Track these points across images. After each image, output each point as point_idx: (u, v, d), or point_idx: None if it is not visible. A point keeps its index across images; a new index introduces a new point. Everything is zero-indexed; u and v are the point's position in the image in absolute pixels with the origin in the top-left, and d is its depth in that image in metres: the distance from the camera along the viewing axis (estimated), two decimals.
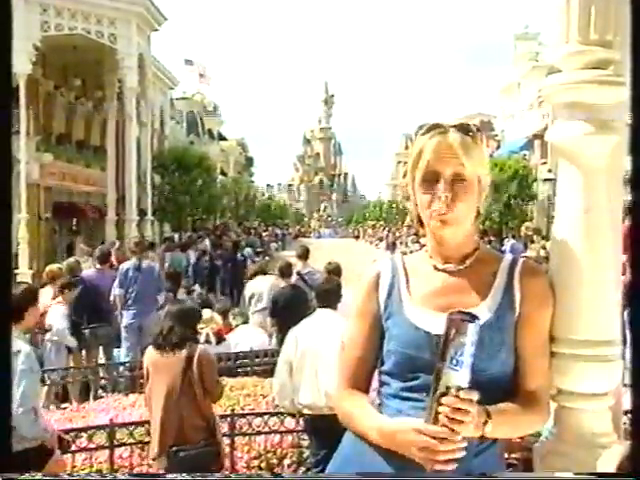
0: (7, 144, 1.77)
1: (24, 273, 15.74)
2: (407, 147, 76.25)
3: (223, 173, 45.67)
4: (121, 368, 8.67)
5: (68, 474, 4.90)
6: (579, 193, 1.92)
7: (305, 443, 5.66)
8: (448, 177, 1.78)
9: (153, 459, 4.88)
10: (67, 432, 5.31)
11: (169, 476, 4.58)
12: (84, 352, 9.52)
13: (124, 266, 10.04)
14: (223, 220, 41.36)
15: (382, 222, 66.06)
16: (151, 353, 4.91)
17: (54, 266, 10.39)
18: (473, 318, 1.66)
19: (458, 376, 1.64)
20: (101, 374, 8.66)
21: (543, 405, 1.87)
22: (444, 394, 1.64)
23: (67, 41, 19.29)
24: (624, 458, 1.68)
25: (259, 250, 29.82)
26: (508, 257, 1.93)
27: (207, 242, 23.46)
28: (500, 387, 1.80)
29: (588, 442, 1.93)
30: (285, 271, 9.60)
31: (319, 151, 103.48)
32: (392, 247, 38.72)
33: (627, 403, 2.00)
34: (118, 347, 9.98)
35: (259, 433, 5.72)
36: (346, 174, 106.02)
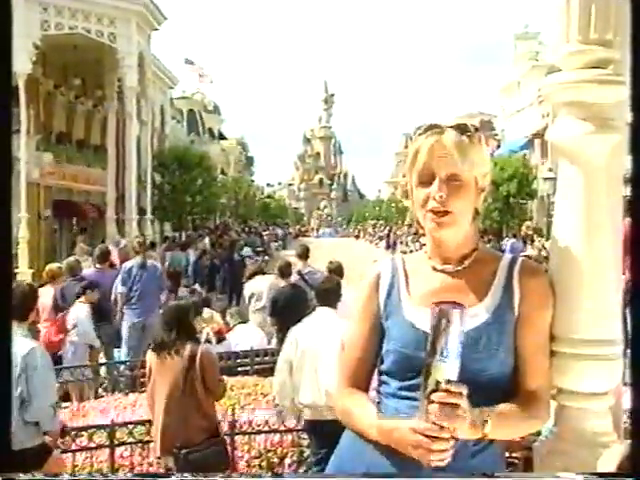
0: (7, 143, 1.77)
1: (24, 272, 15.74)
2: (407, 146, 75.91)
3: (223, 172, 45.70)
4: (122, 367, 8.67)
5: (69, 474, 4.91)
6: (579, 192, 1.92)
7: (305, 442, 5.66)
8: (443, 177, 1.78)
9: (158, 458, 4.88)
10: (68, 431, 5.32)
11: (174, 476, 4.62)
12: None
13: (127, 264, 10.03)
14: (223, 219, 41.38)
15: (382, 221, 66.03)
16: (152, 354, 4.91)
17: (54, 265, 10.39)
18: (459, 305, 1.65)
19: (447, 368, 1.64)
20: (101, 373, 8.66)
21: (543, 405, 1.87)
22: (435, 390, 1.63)
23: (67, 40, 19.29)
24: (624, 457, 1.69)
25: (259, 249, 29.84)
26: (507, 256, 1.93)
27: (207, 241, 23.48)
28: (499, 387, 1.80)
29: (588, 441, 1.93)
30: (285, 271, 9.60)
31: (319, 150, 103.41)
32: (393, 246, 38.75)
33: (627, 402, 2.01)
34: (118, 347, 9.98)
35: (259, 432, 5.72)
36: (346, 173, 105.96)
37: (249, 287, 10.77)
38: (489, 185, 1.89)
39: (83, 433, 5.48)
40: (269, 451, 5.75)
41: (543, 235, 18.72)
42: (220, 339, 9.06)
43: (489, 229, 27.64)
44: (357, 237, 66.48)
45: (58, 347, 8.73)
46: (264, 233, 43.17)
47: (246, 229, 38.83)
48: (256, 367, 8.10)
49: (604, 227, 1.91)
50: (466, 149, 1.78)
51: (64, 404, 7.70)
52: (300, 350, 5.26)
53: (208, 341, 8.45)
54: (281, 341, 6.55)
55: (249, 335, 9.23)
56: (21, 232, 16.86)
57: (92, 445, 5.45)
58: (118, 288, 9.79)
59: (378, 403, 1.90)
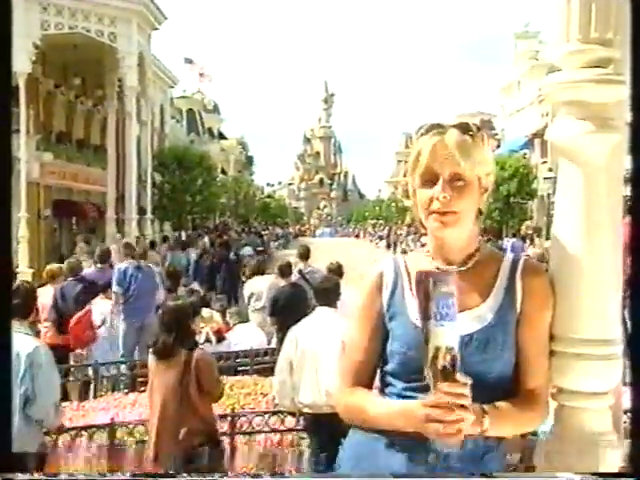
0: (7, 143, 1.77)
1: (24, 272, 15.74)
2: (407, 146, 76.25)
3: (223, 172, 45.69)
4: (122, 367, 8.66)
5: (68, 474, 4.91)
6: (579, 192, 1.91)
7: (305, 442, 5.66)
8: (446, 178, 1.77)
9: (152, 462, 4.86)
10: (67, 431, 5.32)
11: (171, 477, 4.62)
12: (84, 351, 9.51)
13: (121, 266, 9.98)
14: (223, 219, 41.38)
15: (382, 221, 66.04)
16: (151, 356, 4.89)
17: (54, 265, 10.39)
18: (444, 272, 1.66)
19: (445, 333, 1.63)
20: (101, 373, 8.65)
21: (543, 403, 1.88)
22: (435, 357, 1.62)
23: (67, 40, 19.29)
24: (624, 457, 1.69)
25: (259, 249, 29.83)
26: (509, 256, 1.93)
27: (206, 240, 23.47)
28: (503, 387, 1.80)
29: (588, 441, 1.93)
30: (285, 270, 9.60)
31: (319, 150, 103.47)
32: (394, 246, 38.74)
33: (627, 402, 2.01)
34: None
35: (259, 432, 5.72)
36: (346, 173, 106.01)
37: (249, 287, 10.78)
38: (492, 184, 1.89)
39: (83, 432, 5.48)
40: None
41: (541, 235, 18.72)
42: (220, 339, 9.06)
43: (489, 229, 27.64)
44: (357, 237, 66.51)
45: (86, 343, 8.86)
46: (264, 233, 43.19)
47: (246, 229, 38.84)
48: (256, 367, 8.09)
49: (604, 227, 1.91)
50: (469, 149, 1.77)
51: (64, 404, 7.71)
52: (300, 350, 5.26)
53: (208, 341, 8.45)
54: (281, 341, 6.55)
55: (249, 335, 9.23)
56: (21, 231, 16.87)
57: (92, 445, 5.44)
58: (113, 288, 9.71)
59: None
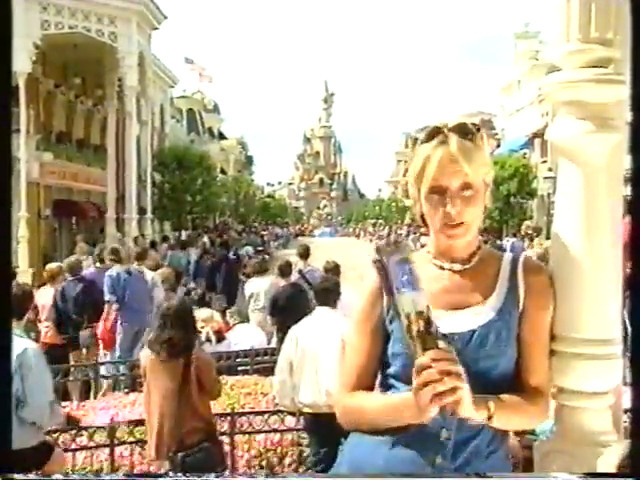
0: (7, 143, 1.77)
1: (24, 271, 15.75)
2: (407, 145, 76.33)
3: (223, 172, 45.69)
4: (122, 367, 8.67)
5: (67, 474, 4.92)
6: (579, 191, 1.92)
7: (305, 442, 5.66)
8: (455, 190, 1.76)
9: (152, 461, 4.86)
10: (67, 430, 5.32)
11: (167, 477, 4.62)
12: (85, 350, 9.51)
13: (112, 272, 9.67)
14: (223, 218, 41.37)
15: (382, 221, 66.02)
16: (149, 356, 4.88)
17: (54, 265, 10.39)
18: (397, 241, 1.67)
19: (411, 298, 1.62)
20: (102, 372, 8.66)
21: (544, 400, 1.88)
22: (409, 325, 1.62)
23: (67, 39, 19.29)
24: (624, 457, 1.68)
25: (260, 249, 29.82)
26: (509, 255, 1.93)
27: (206, 240, 23.46)
28: (507, 383, 1.81)
29: (588, 440, 1.93)
30: (285, 270, 9.60)
31: (319, 150, 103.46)
32: None
33: (627, 402, 2.01)
34: None
35: (259, 432, 5.72)
36: (346, 172, 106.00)
37: (249, 286, 10.78)
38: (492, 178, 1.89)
39: (83, 432, 5.48)
40: (269, 450, 5.76)
41: (541, 235, 18.70)
42: (220, 338, 9.05)
43: (489, 228, 27.64)
44: (357, 236, 66.48)
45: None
46: (264, 233, 43.19)
47: (246, 229, 38.84)
48: (256, 366, 8.09)
49: (604, 226, 1.91)
50: (471, 154, 1.76)
51: (64, 403, 7.73)
52: (300, 349, 5.26)
53: (208, 340, 8.44)
54: (281, 340, 6.55)
55: (249, 334, 9.23)
56: (21, 231, 16.87)
57: (92, 444, 5.44)
58: (106, 297, 9.46)
59: None
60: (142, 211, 22.99)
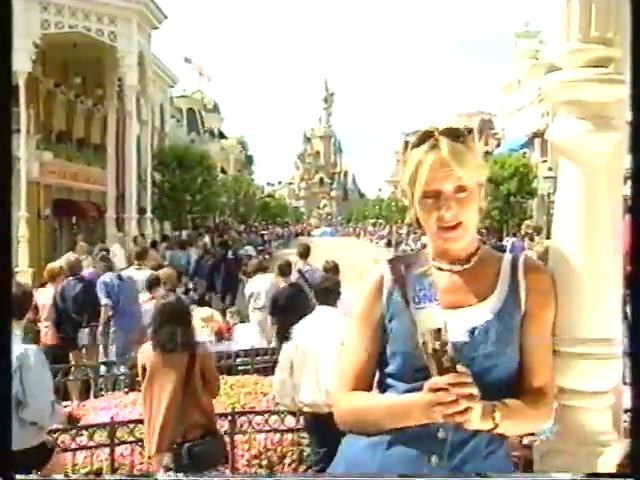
0: (7, 142, 1.77)
1: (24, 271, 15.75)
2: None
3: (223, 171, 45.67)
4: (122, 366, 8.66)
5: (67, 474, 4.92)
6: (579, 191, 1.92)
7: (305, 441, 5.66)
8: (448, 194, 1.77)
9: (150, 457, 4.85)
10: (67, 430, 5.33)
11: (167, 476, 4.63)
12: (84, 350, 9.51)
13: (105, 278, 9.55)
14: (223, 218, 41.37)
15: (382, 220, 66.02)
16: (150, 352, 4.89)
17: (54, 264, 10.39)
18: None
19: (428, 315, 1.63)
20: (101, 372, 8.66)
21: (548, 401, 1.88)
22: (425, 342, 1.63)
23: (67, 38, 19.28)
24: (624, 457, 1.68)
25: (260, 248, 29.84)
26: (509, 255, 1.94)
27: (207, 239, 23.46)
28: (509, 384, 1.80)
29: (588, 440, 1.93)
30: (285, 269, 9.60)
31: (319, 149, 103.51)
32: (395, 246, 38.72)
33: (627, 401, 2.01)
34: None
35: (259, 431, 5.72)
36: (346, 172, 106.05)
37: (249, 286, 10.78)
38: (487, 180, 1.89)
39: (83, 432, 5.48)
40: (269, 450, 5.76)
41: (541, 234, 18.70)
42: (220, 338, 9.07)
43: (489, 228, 27.65)
44: (358, 236, 66.49)
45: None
46: (264, 232, 43.21)
47: (246, 228, 38.85)
48: (256, 366, 8.09)
49: (604, 226, 1.91)
50: (463, 157, 1.77)
51: (64, 403, 7.72)
52: (300, 349, 5.26)
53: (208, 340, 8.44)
54: (281, 340, 6.55)
55: (251, 334, 9.23)
56: (21, 231, 16.87)
57: (92, 444, 5.44)
58: (103, 301, 9.36)
59: None
60: (142, 211, 22.99)
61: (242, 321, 10.22)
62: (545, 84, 2.01)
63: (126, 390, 7.75)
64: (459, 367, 1.64)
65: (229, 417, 5.62)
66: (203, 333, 8.45)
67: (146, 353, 4.93)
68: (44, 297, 9.30)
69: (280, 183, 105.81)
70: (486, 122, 53.32)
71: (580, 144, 1.89)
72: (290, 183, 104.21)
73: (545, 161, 30.26)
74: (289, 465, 5.72)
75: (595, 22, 1.86)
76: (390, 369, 1.86)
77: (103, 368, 8.74)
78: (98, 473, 5.37)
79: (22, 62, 16.62)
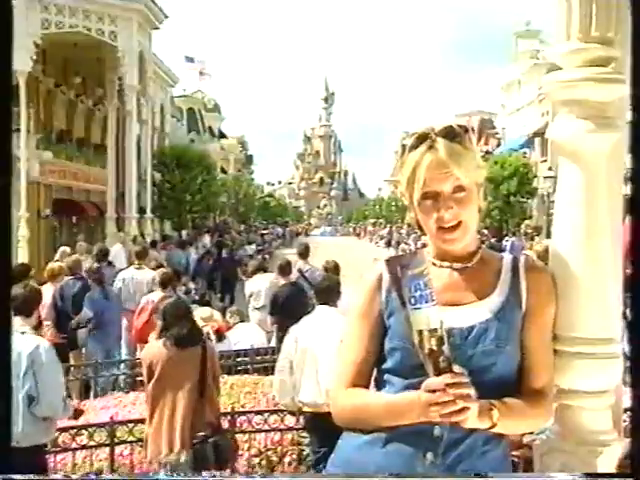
0: (7, 142, 1.77)
1: None
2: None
3: (223, 171, 45.67)
4: (122, 366, 8.66)
5: (64, 474, 4.93)
6: (579, 190, 1.91)
7: (305, 441, 5.66)
8: (447, 194, 1.77)
9: (168, 454, 4.80)
10: (67, 429, 5.32)
11: (166, 476, 4.64)
12: (84, 350, 9.50)
13: (93, 294, 9.36)
14: (223, 218, 41.37)
15: (382, 220, 66.03)
16: (160, 349, 4.87)
17: (54, 264, 10.39)
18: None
19: (424, 315, 1.63)
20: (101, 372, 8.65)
21: (548, 400, 1.88)
22: (421, 341, 1.64)
23: (67, 38, 19.29)
24: (624, 456, 1.68)
25: (260, 248, 29.84)
26: (509, 255, 1.94)
27: (206, 239, 23.47)
28: (507, 383, 1.80)
29: (588, 440, 1.93)
30: (284, 269, 9.60)
31: (319, 149, 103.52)
32: (396, 245, 38.73)
33: (627, 401, 2.00)
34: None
35: (259, 431, 5.72)
36: (346, 172, 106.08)
37: (249, 285, 10.78)
38: (486, 180, 1.90)
39: (83, 431, 5.48)
40: (269, 449, 5.76)
41: (541, 234, 18.72)
42: (220, 337, 9.05)
43: (489, 227, 27.65)
44: (358, 236, 66.49)
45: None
46: (264, 232, 43.21)
47: (246, 228, 38.85)
48: (256, 365, 8.09)
49: (604, 225, 1.91)
50: (460, 157, 1.77)
51: None
52: (300, 349, 5.26)
53: (208, 339, 8.44)
54: (281, 340, 6.55)
55: (251, 334, 9.22)
56: (21, 231, 16.87)
57: (92, 443, 5.44)
58: (87, 313, 9.21)
59: None
60: (142, 210, 22.99)
61: (242, 321, 10.21)
62: (545, 83, 2.01)
63: (126, 390, 7.75)
64: (455, 367, 1.64)
65: (229, 417, 5.62)
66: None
67: (154, 351, 4.91)
68: (44, 297, 9.28)
69: (280, 183, 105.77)
70: (486, 121, 53.34)
71: (580, 144, 1.89)
72: (290, 183, 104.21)
73: (545, 161, 30.27)
74: (289, 465, 5.72)
75: (595, 21, 1.86)
76: (388, 365, 1.86)
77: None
78: (98, 473, 5.37)
79: (22, 62, 16.61)
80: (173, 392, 4.75)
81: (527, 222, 24.90)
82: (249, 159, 69.96)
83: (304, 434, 5.65)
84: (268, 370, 7.38)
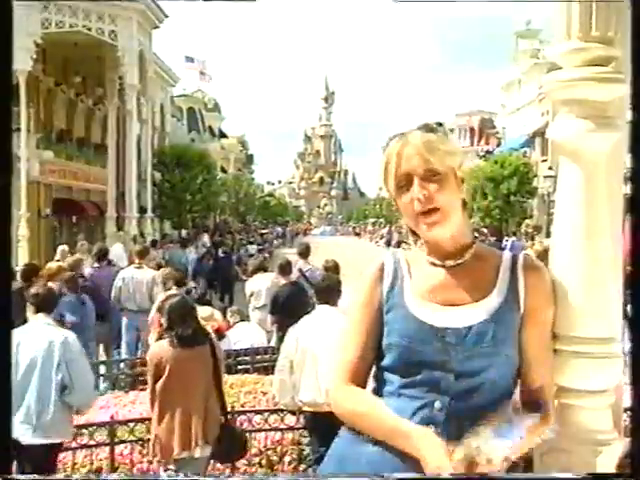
0: (7, 141, 1.77)
1: None
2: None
3: (223, 170, 45.66)
4: (121, 365, 8.66)
5: (65, 475, 4.94)
6: (579, 190, 1.91)
7: (305, 440, 5.67)
8: (421, 175, 1.77)
9: (180, 451, 4.79)
10: None
11: (166, 476, 4.66)
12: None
13: (69, 298, 9.40)
14: (224, 217, 41.38)
15: (382, 219, 66.05)
16: (168, 348, 4.87)
17: (53, 264, 10.38)
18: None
19: (494, 447, 1.63)
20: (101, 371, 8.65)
21: (548, 403, 1.86)
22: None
23: (68, 38, 19.29)
24: (624, 456, 1.68)
25: (260, 247, 29.84)
26: (508, 253, 1.93)
27: (206, 238, 23.47)
28: (504, 384, 1.80)
29: (588, 439, 1.93)
30: (285, 268, 9.60)
31: (319, 148, 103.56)
32: (397, 245, 38.72)
33: (628, 400, 2.00)
34: (116, 348, 9.94)
35: (259, 430, 5.73)
36: (346, 171, 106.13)
37: (250, 285, 10.77)
38: (467, 174, 1.90)
39: (83, 431, 5.48)
40: (269, 449, 5.76)
41: (541, 233, 18.71)
42: (220, 337, 9.05)
43: (489, 227, 27.65)
44: (357, 235, 66.50)
45: None
46: (264, 231, 43.22)
47: (246, 227, 38.85)
48: (256, 365, 8.09)
49: (604, 225, 1.91)
50: (433, 144, 1.78)
51: None
52: (300, 348, 5.26)
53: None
54: (281, 339, 6.55)
55: (249, 333, 9.22)
56: (21, 230, 16.87)
57: (92, 443, 5.45)
58: (69, 318, 8.91)
59: None
60: (142, 210, 23.01)
61: (242, 320, 10.21)
62: (545, 83, 2.00)
63: (126, 389, 7.75)
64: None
65: (229, 416, 5.62)
66: None
67: (162, 350, 4.91)
68: None
69: (280, 182, 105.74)
70: (486, 121, 53.35)
71: (580, 143, 1.89)
72: (290, 182, 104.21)
73: (545, 160, 30.26)
74: (289, 464, 5.72)
75: (596, 21, 1.86)
76: (385, 362, 1.86)
77: (103, 367, 8.73)
78: (98, 472, 5.38)
79: (22, 61, 16.63)
80: (184, 390, 4.77)
81: (527, 221, 24.87)
82: (249, 158, 69.94)
83: (304, 434, 5.65)
84: (268, 369, 7.38)
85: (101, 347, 9.67)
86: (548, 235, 16.24)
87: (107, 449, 5.42)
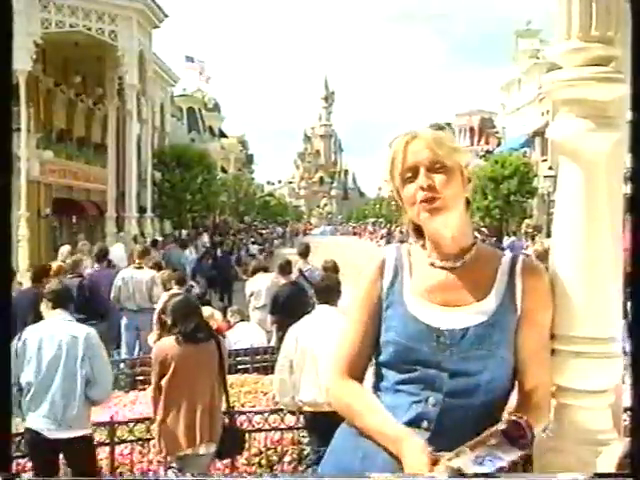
0: (7, 141, 1.77)
1: (24, 270, 15.73)
2: None
3: (223, 170, 45.67)
4: (121, 365, 8.66)
5: (66, 475, 4.94)
6: (579, 190, 1.91)
7: (305, 440, 5.67)
8: (427, 165, 1.78)
9: (186, 448, 4.81)
10: None
11: (167, 476, 4.67)
12: None
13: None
14: (224, 217, 41.40)
15: (382, 219, 66.07)
16: (174, 346, 4.88)
17: (53, 264, 10.39)
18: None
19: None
20: None
21: (545, 403, 1.87)
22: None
23: (68, 37, 19.31)
24: (624, 455, 1.68)
25: (260, 247, 29.86)
26: (508, 254, 1.92)
27: (206, 238, 23.48)
28: (500, 386, 1.80)
29: (588, 439, 1.92)
30: (285, 268, 9.60)
31: (319, 148, 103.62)
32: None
33: (627, 400, 2.00)
34: (116, 348, 9.95)
35: (259, 430, 5.72)
36: (346, 171, 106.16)
37: (250, 285, 10.78)
38: (474, 176, 1.90)
39: None
40: (269, 449, 5.76)
41: (542, 233, 18.75)
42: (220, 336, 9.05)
43: (490, 227, 27.67)
44: (357, 234, 66.50)
45: None
46: (264, 231, 43.25)
47: (246, 227, 38.87)
48: (256, 365, 8.09)
49: (604, 225, 1.91)
50: (442, 139, 1.80)
51: None
52: (300, 348, 5.26)
53: None
54: (281, 339, 6.55)
55: (249, 333, 9.23)
56: (21, 230, 16.87)
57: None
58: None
59: None
60: (142, 210, 23.01)
61: (242, 320, 10.21)
62: (545, 83, 2.00)
63: (126, 389, 7.75)
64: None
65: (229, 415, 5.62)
66: None
67: (166, 347, 4.91)
68: None
69: (280, 182, 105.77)
70: (486, 121, 53.34)
71: (580, 143, 1.89)
72: (290, 182, 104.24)
73: (545, 160, 30.27)
74: (289, 464, 5.72)
75: (596, 21, 1.86)
76: (382, 358, 1.87)
77: None
78: (98, 472, 5.37)
79: (22, 61, 16.63)
80: (190, 387, 4.79)
81: (527, 221, 24.92)
82: (249, 158, 69.96)
83: (304, 433, 5.65)
84: (268, 369, 7.38)
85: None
86: (548, 235, 16.25)
87: (107, 449, 5.42)
